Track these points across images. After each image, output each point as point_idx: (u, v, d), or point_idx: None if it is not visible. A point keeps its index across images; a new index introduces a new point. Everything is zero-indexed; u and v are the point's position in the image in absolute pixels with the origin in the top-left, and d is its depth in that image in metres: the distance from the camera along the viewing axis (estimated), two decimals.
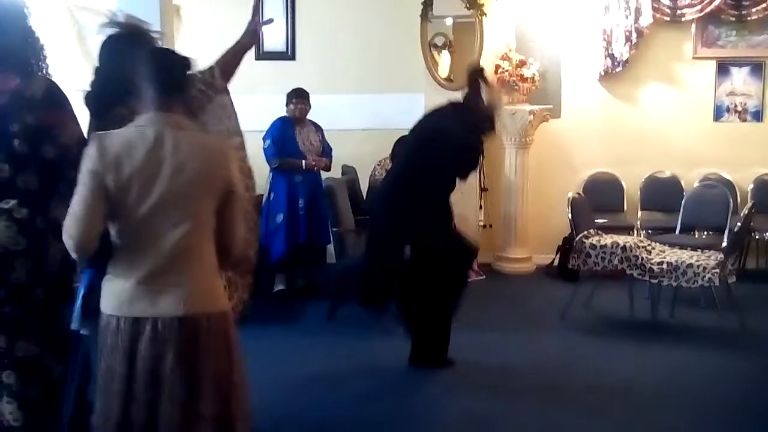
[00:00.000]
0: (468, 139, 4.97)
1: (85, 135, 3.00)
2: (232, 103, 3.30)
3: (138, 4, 4.16)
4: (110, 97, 3.01)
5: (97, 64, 3.13)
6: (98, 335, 2.62)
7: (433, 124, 5.06)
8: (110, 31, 3.09)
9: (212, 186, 2.61)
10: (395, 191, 5.01)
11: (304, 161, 6.58)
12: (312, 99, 6.72)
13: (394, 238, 5.00)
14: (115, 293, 2.58)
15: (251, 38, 3.35)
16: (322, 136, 6.84)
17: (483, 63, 7.50)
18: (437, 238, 4.94)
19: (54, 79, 3.04)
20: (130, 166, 2.50)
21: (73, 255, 2.58)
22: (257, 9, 3.34)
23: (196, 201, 2.59)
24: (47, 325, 2.96)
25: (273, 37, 7.97)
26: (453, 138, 4.89)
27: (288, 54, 7.99)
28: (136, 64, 2.63)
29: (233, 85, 7.21)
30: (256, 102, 6.94)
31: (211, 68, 3.16)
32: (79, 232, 2.48)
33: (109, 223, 2.57)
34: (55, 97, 2.97)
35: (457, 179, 5.09)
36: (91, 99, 3.09)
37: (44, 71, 3.03)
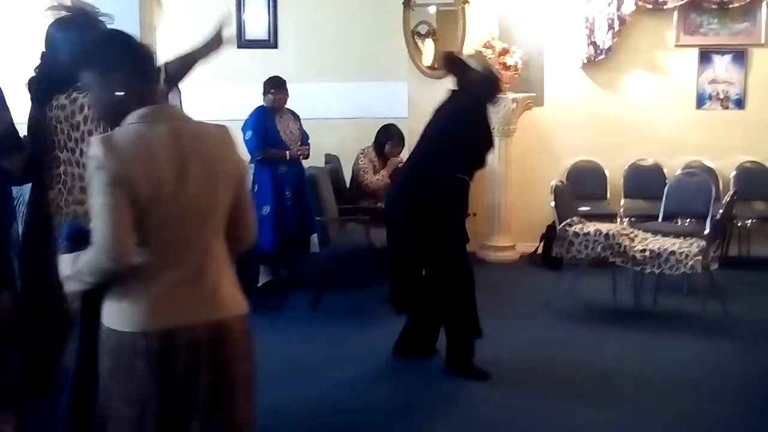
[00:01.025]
0: (469, 129, 4.87)
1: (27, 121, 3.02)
2: (172, 103, 3.23)
3: None
4: (53, 84, 3.00)
5: (43, 48, 3.10)
6: (107, 359, 2.32)
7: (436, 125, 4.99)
8: (58, 14, 3.06)
9: (232, 176, 2.41)
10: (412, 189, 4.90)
11: (288, 151, 6.51)
12: (294, 87, 6.67)
13: (414, 238, 4.87)
14: (136, 307, 2.28)
15: (209, 51, 3.22)
16: (300, 124, 6.79)
17: (466, 51, 7.53)
18: (449, 227, 4.85)
19: None
20: (157, 168, 2.23)
21: (112, 268, 2.23)
22: (224, 25, 3.23)
23: (223, 194, 2.38)
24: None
25: (255, 25, 7.93)
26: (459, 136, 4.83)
27: (270, 42, 7.93)
28: (101, 51, 2.37)
29: (216, 73, 7.19)
30: (238, 90, 6.94)
31: (158, 69, 3.11)
32: (118, 251, 2.19)
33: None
34: None
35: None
36: (34, 84, 3.07)
37: None
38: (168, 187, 2.24)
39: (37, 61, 3.12)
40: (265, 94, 6.59)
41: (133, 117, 2.29)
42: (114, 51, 2.36)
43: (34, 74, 3.10)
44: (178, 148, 2.28)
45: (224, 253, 2.45)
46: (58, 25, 3.06)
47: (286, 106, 6.70)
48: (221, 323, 2.37)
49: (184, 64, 3.19)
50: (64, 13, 3.06)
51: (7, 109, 3.00)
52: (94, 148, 2.21)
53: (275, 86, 6.55)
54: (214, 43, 3.20)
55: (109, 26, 3.06)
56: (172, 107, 2.47)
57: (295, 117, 6.77)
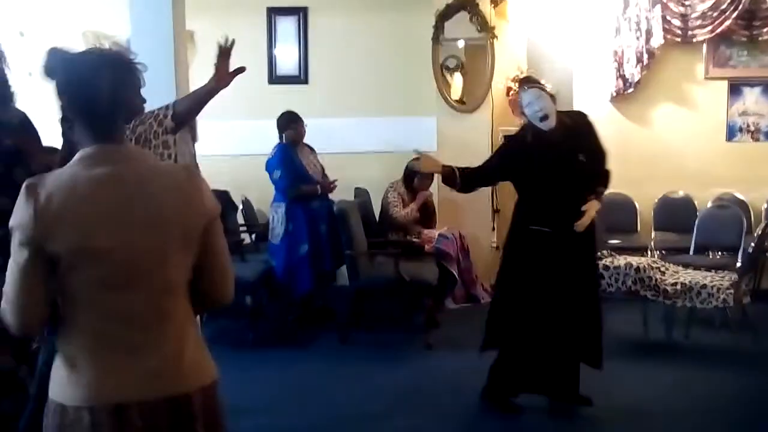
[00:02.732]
0: None
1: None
2: (176, 145, 3.23)
3: (152, 30, 4.21)
4: None
5: None
6: None
7: None
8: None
9: (192, 225, 2.06)
10: None
11: (318, 185, 6.55)
12: (325, 122, 6.76)
13: None
14: (82, 378, 1.96)
15: (217, 84, 3.16)
16: (317, 156, 6.79)
17: (495, 85, 7.57)
18: None
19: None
20: (85, 219, 1.93)
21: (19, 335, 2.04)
22: (227, 54, 3.23)
23: (177, 247, 2.03)
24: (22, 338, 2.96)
25: (286, 61, 8.05)
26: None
27: (300, 78, 8.05)
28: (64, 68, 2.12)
29: (248, 109, 7.31)
30: (269, 126, 7.01)
31: (166, 107, 3.14)
32: (20, 321, 1.96)
33: (59, 293, 1.98)
34: (28, 126, 3.03)
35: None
36: (64, 122, 3.14)
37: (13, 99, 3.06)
38: (99, 241, 1.92)
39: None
40: (283, 130, 6.56)
41: (76, 157, 2.01)
42: (74, 70, 2.09)
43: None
44: (119, 194, 1.97)
45: (188, 316, 2.12)
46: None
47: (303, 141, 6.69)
48: (183, 397, 2.04)
49: (194, 101, 3.20)
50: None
51: (47, 153, 3.06)
52: (21, 195, 1.93)
53: (295, 120, 6.55)
54: (219, 77, 3.18)
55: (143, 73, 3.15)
56: (128, 148, 2.13)
57: (312, 150, 6.78)
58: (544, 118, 4.51)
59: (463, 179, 4.87)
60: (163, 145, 3.17)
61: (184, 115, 3.17)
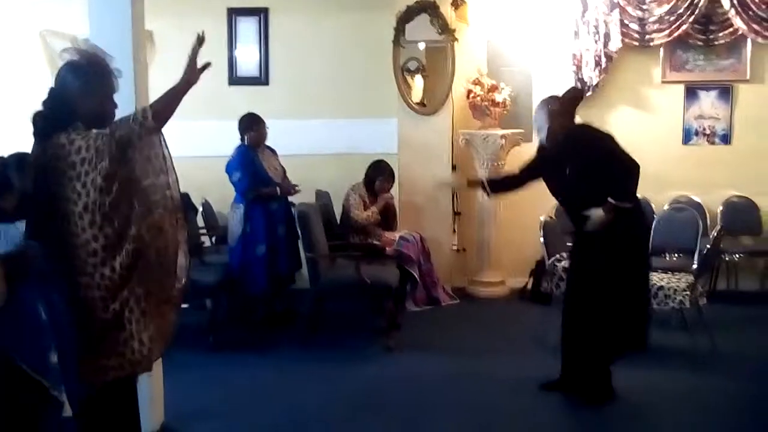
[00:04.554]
0: None
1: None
2: (161, 142, 3.25)
3: (110, 30, 4.15)
4: (56, 121, 3.07)
5: (53, 85, 3.17)
6: None
7: None
8: (72, 57, 3.15)
9: None
10: None
11: (278, 187, 6.54)
12: (285, 124, 6.75)
13: None
14: None
15: (187, 82, 3.20)
16: (278, 158, 6.78)
17: (455, 87, 7.60)
18: None
19: None
20: None
21: None
22: (195, 53, 3.26)
23: None
24: None
25: (246, 62, 8.01)
26: None
27: (261, 79, 8.01)
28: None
29: (208, 110, 7.26)
30: (229, 127, 6.97)
31: (144, 109, 3.15)
32: None
33: None
34: None
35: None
36: (38, 119, 3.12)
37: None
38: None
39: (44, 96, 3.18)
40: (244, 132, 6.55)
41: None
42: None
43: (40, 108, 3.15)
44: None
45: None
46: (71, 67, 3.14)
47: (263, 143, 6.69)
48: None
49: (170, 99, 3.21)
50: (78, 57, 3.15)
51: None
52: None
53: (257, 122, 6.55)
54: (190, 72, 3.20)
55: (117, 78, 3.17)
56: None
57: (273, 152, 6.76)
58: (539, 131, 5.00)
59: (493, 188, 5.49)
60: (150, 145, 3.18)
61: (163, 114, 3.17)
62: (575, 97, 5.04)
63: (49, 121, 3.09)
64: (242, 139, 6.58)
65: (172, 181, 3.25)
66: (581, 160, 4.78)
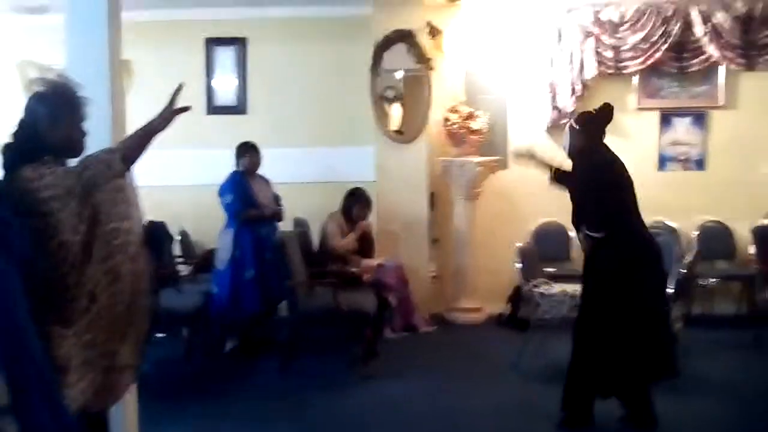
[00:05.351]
0: None
1: None
2: (129, 186, 3.23)
3: (87, 59, 4.16)
4: (24, 152, 3.04)
5: (22, 116, 3.16)
6: None
7: None
8: (41, 87, 3.14)
9: None
10: None
11: (265, 209, 6.61)
12: (263, 152, 6.75)
13: None
14: None
15: (163, 123, 3.20)
16: (271, 188, 6.87)
17: (433, 116, 7.66)
18: None
19: None
20: None
21: None
22: (176, 95, 3.26)
23: None
24: None
25: (224, 92, 8.04)
26: None
27: (239, 108, 8.04)
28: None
29: (186, 139, 7.28)
30: (207, 156, 7.00)
31: (112, 150, 3.14)
32: None
33: None
34: None
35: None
36: (6, 150, 3.10)
37: None
38: None
39: (15, 127, 3.16)
40: (239, 158, 6.69)
41: None
42: None
43: (10, 140, 3.12)
44: None
45: None
46: (39, 98, 3.13)
47: (257, 172, 6.78)
48: None
49: (139, 141, 3.20)
50: (46, 87, 3.13)
51: None
52: None
53: (250, 149, 6.69)
54: (168, 113, 3.21)
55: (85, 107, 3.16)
56: None
57: (266, 181, 6.86)
58: (563, 146, 5.05)
59: (557, 176, 5.37)
60: (115, 188, 3.14)
61: (132, 156, 3.17)
62: (597, 116, 4.94)
63: (17, 153, 3.06)
64: (237, 165, 6.69)
65: (134, 226, 3.22)
66: (577, 183, 4.89)
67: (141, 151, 3.19)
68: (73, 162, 3.12)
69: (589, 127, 4.90)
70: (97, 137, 3.39)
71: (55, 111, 3.11)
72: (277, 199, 6.87)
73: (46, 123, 3.09)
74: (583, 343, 4.83)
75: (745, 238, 7.46)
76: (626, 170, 4.88)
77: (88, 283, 3.02)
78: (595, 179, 4.81)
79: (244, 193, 6.59)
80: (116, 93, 4.29)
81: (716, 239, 7.69)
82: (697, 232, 7.71)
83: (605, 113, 4.94)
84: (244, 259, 6.52)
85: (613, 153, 4.92)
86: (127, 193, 3.20)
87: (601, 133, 4.93)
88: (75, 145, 3.16)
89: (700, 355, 6.16)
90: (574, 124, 4.94)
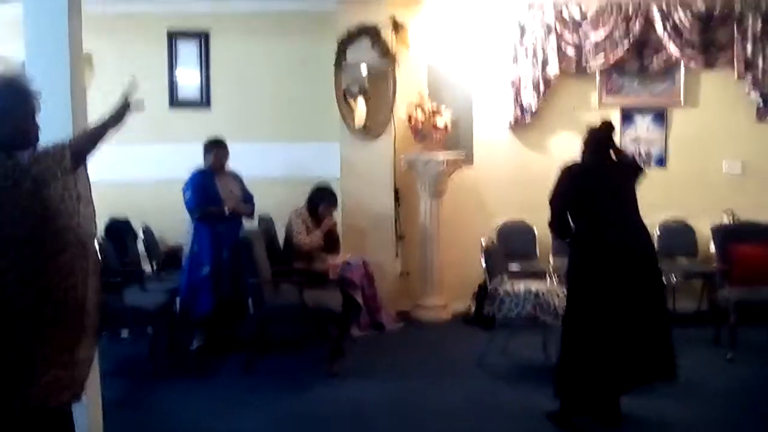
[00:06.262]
0: None
1: None
2: (76, 184, 3.16)
3: (47, 52, 4.08)
4: None
5: None
6: None
7: None
8: None
9: None
10: None
11: (226, 207, 6.53)
12: (228, 148, 6.68)
13: None
14: None
15: (116, 119, 3.19)
16: (242, 184, 6.81)
17: (397, 111, 7.63)
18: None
19: None
20: None
21: None
22: (130, 92, 3.24)
23: None
24: None
25: (187, 85, 7.95)
26: None
27: (202, 102, 7.96)
28: None
29: (148, 134, 7.20)
30: (171, 150, 6.91)
31: (63, 146, 3.09)
32: None
33: None
34: None
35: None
36: None
37: None
38: None
39: None
40: (206, 154, 6.64)
41: None
42: None
43: None
44: None
45: None
46: None
47: (227, 168, 6.73)
48: None
49: (91, 139, 3.17)
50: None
51: None
52: None
53: (215, 146, 6.65)
54: (121, 109, 3.18)
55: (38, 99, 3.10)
56: None
57: (236, 177, 6.81)
58: None
59: None
60: (63, 185, 3.08)
61: (83, 153, 3.12)
62: (593, 132, 5.10)
63: None
64: (204, 161, 6.66)
65: (85, 222, 3.17)
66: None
67: (93, 147, 3.16)
68: (25, 154, 3.05)
69: (588, 141, 5.07)
70: (58, 131, 3.33)
71: (4, 104, 3.06)
72: (247, 196, 6.80)
73: None
74: (568, 342, 4.86)
75: (706, 236, 7.53)
76: (609, 178, 5.01)
77: (39, 277, 2.97)
78: (558, 182, 5.00)
79: (204, 190, 6.53)
80: (77, 87, 4.21)
81: (677, 236, 7.77)
82: (658, 230, 7.76)
83: (594, 134, 5.10)
84: (200, 255, 6.50)
85: (600, 162, 5.06)
86: (78, 190, 3.15)
87: (599, 148, 5.06)
88: (27, 137, 3.11)
89: None
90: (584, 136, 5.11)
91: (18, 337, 2.97)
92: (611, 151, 5.09)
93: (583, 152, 5.07)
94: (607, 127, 5.10)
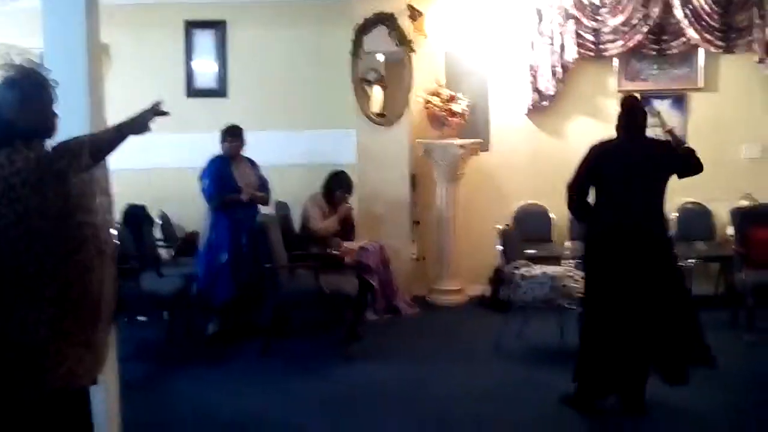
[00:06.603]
0: None
1: None
2: (100, 177, 3.20)
3: (65, 44, 4.13)
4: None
5: None
6: None
7: None
8: (7, 72, 3.12)
9: None
10: None
11: (242, 194, 6.56)
12: (244, 135, 6.74)
13: None
14: None
15: (140, 128, 3.18)
16: (258, 171, 6.85)
17: (413, 98, 7.65)
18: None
19: None
20: None
21: None
22: (152, 112, 3.21)
23: None
24: None
25: (204, 75, 8.01)
26: None
27: (219, 91, 8.01)
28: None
29: (165, 122, 7.24)
30: (188, 139, 6.96)
31: (82, 143, 3.13)
32: None
33: None
34: None
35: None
36: None
37: None
38: None
39: None
40: (222, 141, 6.67)
41: None
42: None
43: None
44: None
45: None
46: (5, 82, 3.11)
47: (243, 154, 6.76)
48: None
49: (110, 143, 3.20)
50: (13, 72, 3.11)
51: None
52: None
53: (231, 134, 6.67)
54: (146, 119, 3.20)
55: (55, 89, 3.13)
56: None
57: (253, 164, 6.84)
58: None
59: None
60: (82, 181, 3.13)
61: (101, 154, 3.16)
62: (621, 107, 5.07)
63: None
64: (221, 149, 6.69)
65: (102, 218, 3.21)
66: None
67: (112, 149, 3.18)
68: (47, 144, 3.10)
69: (619, 117, 5.03)
70: (76, 122, 3.38)
71: (23, 94, 3.09)
72: (263, 183, 6.83)
73: (15, 107, 3.07)
74: (587, 324, 4.90)
75: (724, 220, 7.51)
76: (631, 158, 4.96)
77: (60, 273, 3.02)
78: (581, 160, 4.99)
79: (221, 178, 6.55)
80: (95, 77, 4.26)
81: (695, 220, 7.75)
82: (677, 214, 7.75)
83: (623, 105, 5.06)
84: (219, 242, 6.53)
85: (627, 140, 5.00)
86: (95, 186, 3.20)
87: (625, 123, 5.01)
88: (47, 129, 3.15)
89: None
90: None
91: (37, 327, 3.01)
92: (646, 131, 5.05)
93: (617, 128, 5.04)
94: (628, 101, 5.05)
